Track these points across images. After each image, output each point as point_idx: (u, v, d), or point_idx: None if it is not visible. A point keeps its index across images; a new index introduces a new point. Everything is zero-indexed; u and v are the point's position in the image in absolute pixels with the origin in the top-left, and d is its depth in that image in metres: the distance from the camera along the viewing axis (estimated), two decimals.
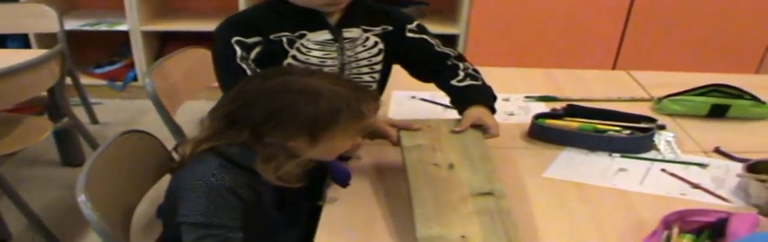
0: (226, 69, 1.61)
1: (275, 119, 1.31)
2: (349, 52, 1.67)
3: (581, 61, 3.46)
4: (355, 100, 1.33)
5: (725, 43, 3.57)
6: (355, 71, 1.70)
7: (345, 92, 1.33)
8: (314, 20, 1.64)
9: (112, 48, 4.11)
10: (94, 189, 1.30)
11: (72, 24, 3.69)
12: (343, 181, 1.50)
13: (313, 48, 1.64)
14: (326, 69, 1.64)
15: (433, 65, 1.77)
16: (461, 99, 1.72)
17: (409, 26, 1.75)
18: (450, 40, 3.83)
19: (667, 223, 1.31)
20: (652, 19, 3.52)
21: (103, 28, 3.77)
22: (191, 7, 4.15)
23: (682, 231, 1.31)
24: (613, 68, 3.57)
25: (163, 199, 1.46)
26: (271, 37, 1.62)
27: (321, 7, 1.62)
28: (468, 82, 1.73)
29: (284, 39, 1.62)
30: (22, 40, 3.72)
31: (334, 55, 1.65)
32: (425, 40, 1.76)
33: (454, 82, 1.73)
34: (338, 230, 1.36)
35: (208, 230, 1.27)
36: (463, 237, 1.24)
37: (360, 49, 1.68)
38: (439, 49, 1.77)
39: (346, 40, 1.66)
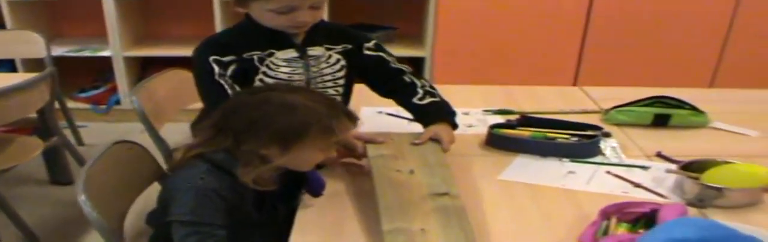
0: (206, 86, 1.78)
1: (252, 128, 1.45)
2: (313, 69, 1.83)
3: (543, 80, 3.64)
4: (326, 116, 1.46)
5: (679, 60, 3.80)
6: (320, 85, 1.85)
7: (320, 108, 1.47)
8: (281, 40, 1.81)
9: (94, 73, 4.24)
10: (90, 192, 1.43)
11: (56, 50, 3.81)
12: (317, 191, 1.63)
13: (281, 65, 1.80)
14: (294, 84, 1.80)
15: (391, 80, 1.93)
16: (424, 116, 1.88)
17: (367, 45, 1.92)
18: (417, 62, 4.00)
19: (605, 214, 1.46)
20: (607, 39, 3.74)
21: (87, 53, 3.92)
22: (170, 34, 4.30)
23: (620, 221, 1.47)
24: (574, 85, 3.74)
25: (151, 207, 1.59)
26: (244, 55, 1.78)
27: (287, 29, 1.78)
28: (428, 99, 1.88)
29: (255, 57, 1.79)
30: (8, 65, 3.85)
31: (301, 71, 1.82)
32: (381, 57, 1.93)
33: (415, 100, 1.88)
34: (311, 229, 1.49)
35: (195, 227, 1.40)
36: (422, 229, 1.39)
37: (324, 65, 1.85)
38: (394, 66, 1.93)
39: (311, 58, 1.83)
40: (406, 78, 1.92)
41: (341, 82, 1.89)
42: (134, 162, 1.71)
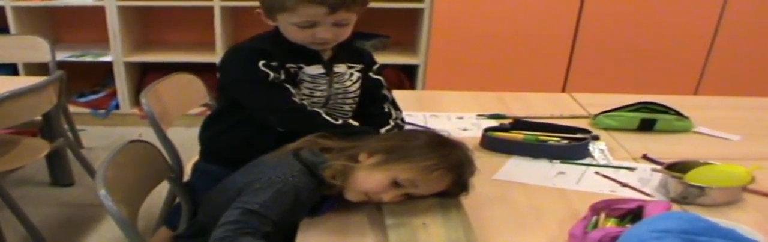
0: (261, 89, 1.75)
1: (384, 137, 1.61)
2: (336, 85, 1.86)
3: (533, 87, 3.73)
4: (448, 168, 1.53)
5: (665, 69, 3.93)
6: (339, 101, 1.88)
7: (458, 167, 1.56)
8: (311, 55, 1.82)
9: (94, 78, 4.32)
10: (108, 188, 1.48)
11: (58, 55, 3.87)
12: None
13: (306, 80, 1.80)
14: (314, 99, 1.82)
15: (372, 104, 1.97)
16: None
17: (375, 67, 1.98)
18: (411, 69, 4.10)
19: (595, 210, 1.55)
20: (595, 47, 3.85)
21: (89, 59, 4.00)
22: (170, 40, 4.39)
23: (608, 217, 1.56)
24: (563, 92, 3.85)
25: (156, 207, 1.63)
26: (286, 65, 1.77)
27: (308, 45, 1.78)
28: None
29: (290, 70, 1.79)
30: (10, 69, 3.91)
31: (324, 87, 1.83)
32: (380, 81, 1.99)
33: (382, 131, 1.90)
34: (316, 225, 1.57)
35: (252, 217, 1.43)
36: (424, 223, 1.48)
37: (348, 83, 1.88)
38: (384, 92, 1.98)
39: (336, 75, 1.86)
40: (386, 107, 1.97)
41: (357, 99, 1.92)
42: (147, 161, 1.79)
